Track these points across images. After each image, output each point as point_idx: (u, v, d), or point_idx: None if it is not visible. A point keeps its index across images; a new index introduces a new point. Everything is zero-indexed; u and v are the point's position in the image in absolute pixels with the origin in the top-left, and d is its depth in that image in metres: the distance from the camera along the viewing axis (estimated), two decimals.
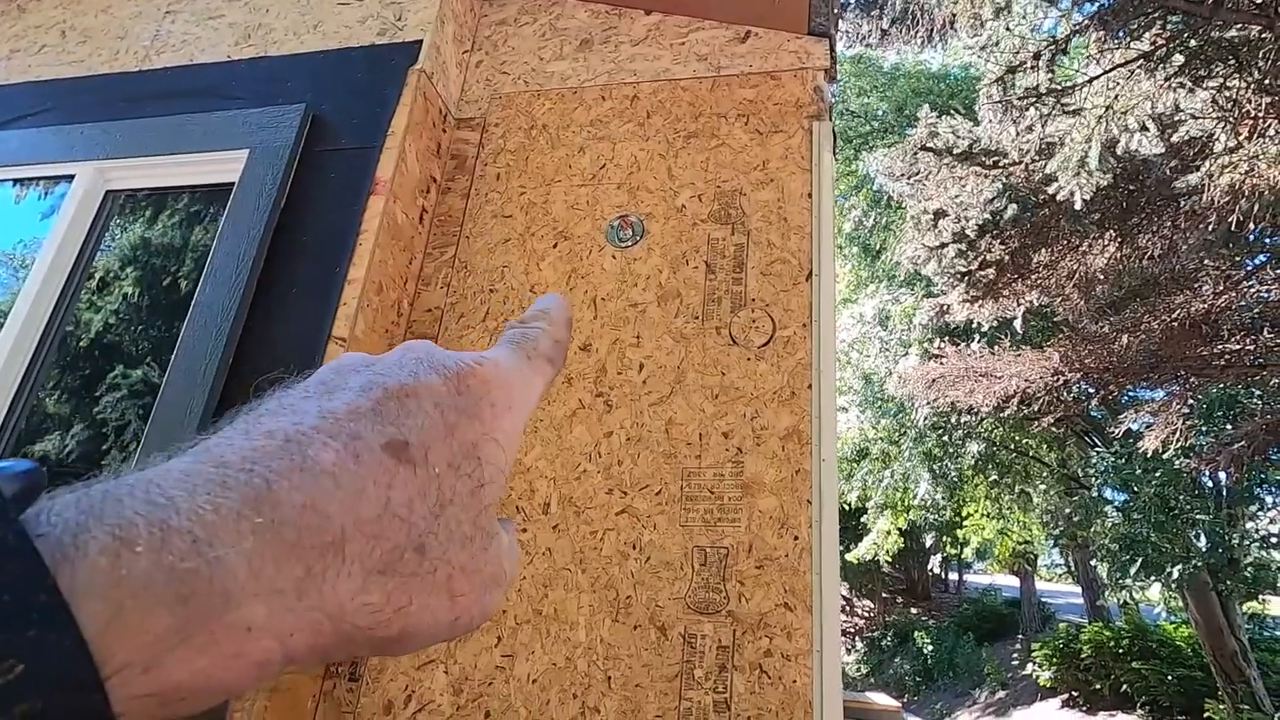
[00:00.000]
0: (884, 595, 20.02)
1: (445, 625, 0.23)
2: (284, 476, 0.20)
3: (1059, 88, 4.74)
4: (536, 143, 1.98)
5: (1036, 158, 5.45)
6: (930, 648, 15.09)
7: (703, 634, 1.45)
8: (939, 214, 6.65)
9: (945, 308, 7.79)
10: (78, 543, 0.17)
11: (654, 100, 1.96)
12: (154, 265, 1.96)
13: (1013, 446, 11.85)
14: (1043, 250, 6.46)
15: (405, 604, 0.22)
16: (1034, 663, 11.87)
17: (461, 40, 2.12)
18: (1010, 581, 19.79)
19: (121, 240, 2.03)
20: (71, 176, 2.03)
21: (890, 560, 14.32)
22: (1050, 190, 5.26)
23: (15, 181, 2.20)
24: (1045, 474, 11.99)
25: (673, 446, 1.61)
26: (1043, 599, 16.64)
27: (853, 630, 18.66)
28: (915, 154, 6.39)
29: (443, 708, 1.47)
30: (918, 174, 6.61)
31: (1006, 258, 6.60)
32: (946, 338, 8.80)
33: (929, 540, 13.84)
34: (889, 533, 12.90)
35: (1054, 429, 10.32)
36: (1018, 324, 8.02)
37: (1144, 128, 4.56)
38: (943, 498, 11.69)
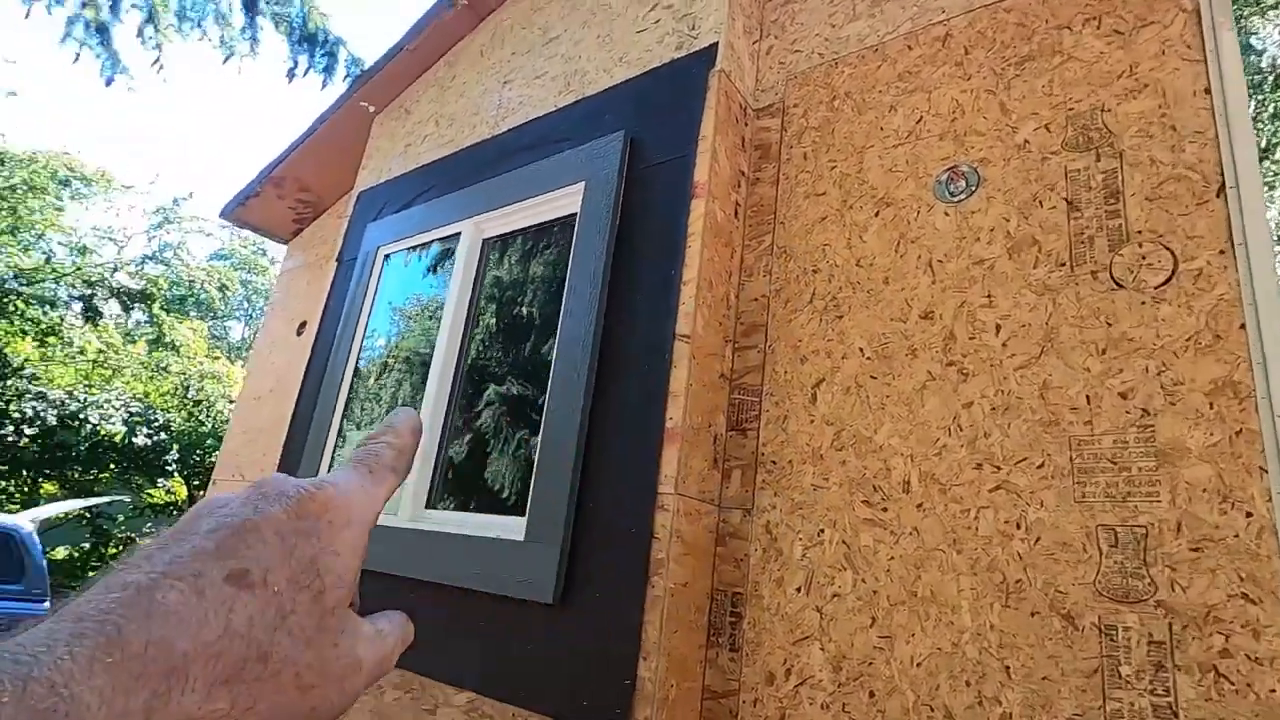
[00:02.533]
0: None
1: (303, 713, 0.28)
2: (133, 621, 0.24)
3: None
4: (841, 113, 1.92)
5: None
6: None
7: (1124, 625, 1.25)
8: None
9: None
10: None
11: (970, 33, 1.76)
12: (504, 298, 2.37)
13: None
14: None
15: (251, 704, 0.26)
16: None
17: (750, 31, 2.16)
18: None
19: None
20: (458, 235, 2.55)
21: None
22: None
23: (409, 249, 2.84)
24: None
25: (1052, 413, 1.42)
26: None
27: None
28: None
29: (823, 683, 1.50)
30: None
31: None
32: None
33: None
34: None
35: None
36: None
37: None
38: None
